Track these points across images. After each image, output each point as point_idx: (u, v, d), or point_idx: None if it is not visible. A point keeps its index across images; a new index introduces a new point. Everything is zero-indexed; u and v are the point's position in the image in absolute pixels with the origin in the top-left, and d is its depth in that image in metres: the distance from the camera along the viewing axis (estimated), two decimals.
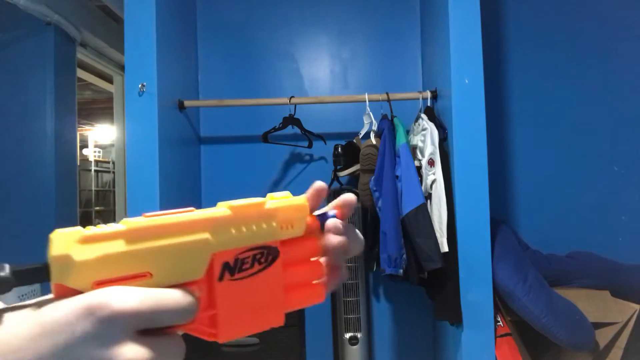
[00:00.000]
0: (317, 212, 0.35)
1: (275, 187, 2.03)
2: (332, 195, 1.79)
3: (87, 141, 6.37)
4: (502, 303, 1.57)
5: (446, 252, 1.48)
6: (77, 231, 0.23)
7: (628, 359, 1.55)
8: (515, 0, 2.06)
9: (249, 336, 1.65)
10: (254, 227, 0.29)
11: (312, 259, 0.33)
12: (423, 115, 1.62)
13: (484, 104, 1.50)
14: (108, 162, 6.72)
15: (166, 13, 1.65)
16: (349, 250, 0.35)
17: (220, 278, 0.27)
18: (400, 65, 2.06)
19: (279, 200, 0.32)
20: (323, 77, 2.08)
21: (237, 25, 2.08)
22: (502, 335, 1.51)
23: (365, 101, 1.69)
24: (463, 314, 1.48)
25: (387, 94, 1.70)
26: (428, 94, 1.70)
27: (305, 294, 0.32)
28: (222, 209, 0.29)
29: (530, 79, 2.04)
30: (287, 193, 0.33)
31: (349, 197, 0.36)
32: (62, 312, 0.22)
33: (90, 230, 0.24)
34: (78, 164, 2.61)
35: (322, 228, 0.34)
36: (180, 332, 0.26)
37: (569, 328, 1.45)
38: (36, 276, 0.23)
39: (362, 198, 1.64)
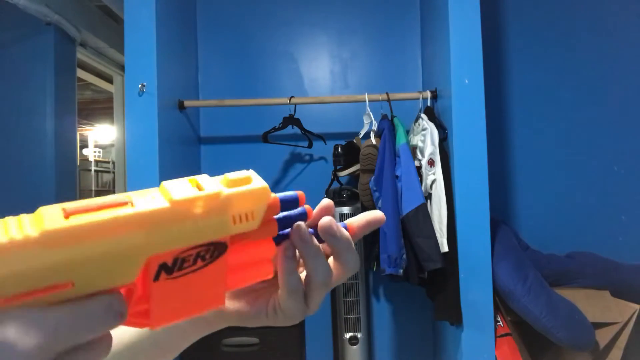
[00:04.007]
0: (279, 195, 0.30)
1: (275, 187, 2.03)
2: (332, 195, 1.79)
3: (87, 141, 6.37)
4: (502, 303, 1.57)
5: (446, 252, 1.48)
6: None
7: (628, 359, 1.55)
8: (515, 0, 2.06)
9: (249, 336, 1.65)
10: (201, 224, 0.24)
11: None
12: (423, 115, 1.62)
13: (484, 104, 1.50)
14: (108, 162, 6.73)
15: (166, 13, 1.65)
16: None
17: (156, 278, 0.23)
18: (400, 65, 2.06)
19: (236, 187, 0.26)
20: (323, 77, 2.08)
21: (237, 25, 2.08)
22: (502, 335, 1.51)
23: (365, 101, 1.69)
24: (463, 314, 1.48)
25: (387, 94, 1.70)
26: (428, 94, 1.70)
27: (250, 272, 0.29)
28: (161, 202, 0.23)
29: (530, 79, 2.04)
30: (248, 173, 0.28)
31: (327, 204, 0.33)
32: None
33: None
34: (78, 164, 2.61)
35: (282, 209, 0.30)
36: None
37: (569, 328, 1.45)
38: None
39: (362, 198, 1.64)
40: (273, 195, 0.29)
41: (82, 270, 0.21)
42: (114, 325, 0.22)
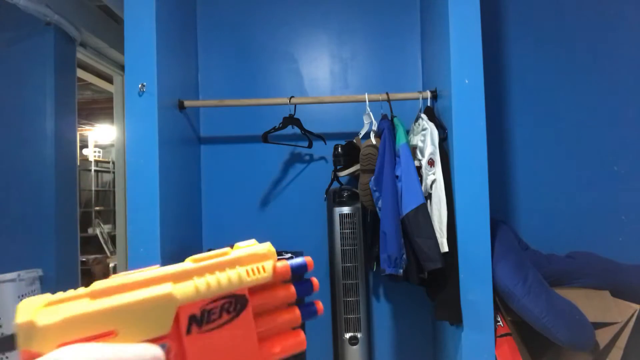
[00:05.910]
0: (290, 262, 0.35)
1: (275, 187, 2.03)
2: (332, 195, 1.79)
3: (87, 141, 6.36)
4: (502, 303, 1.57)
5: (446, 252, 1.47)
6: (43, 297, 0.24)
7: (628, 359, 1.55)
8: (515, 0, 2.06)
9: None
10: (219, 276, 0.29)
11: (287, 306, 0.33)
12: (423, 115, 1.62)
13: (484, 104, 1.50)
14: (108, 162, 6.72)
15: (166, 13, 1.65)
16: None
17: (188, 331, 0.27)
18: (400, 65, 2.06)
19: (243, 248, 0.32)
20: (323, 77, 2.08)
21: (237, 25, 2.08)
22: (502, 335, 1.51)
23: (365, 101, 1.69)
24: (463, 314, 1.48)
25: (387, 94, 1.70)
26: (428, 94, 1.70)
27: (286, 343, 0.32)
28: (185, 263, 0.29)
29: (530, 78, 2.04)
30: (252, 241, 0.33)
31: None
32: None
33: (56, 295, 0.25)
34: (78, 164, 2.60)
35: (292, 273, 0.34)
36: None
37: (569, 328, 1.45)
38: (4, 345, 0.23)
39: (362, 198, 1.64)
40: (284, 262, 0.34)
41: (123, 319, 0.25)
42: None
